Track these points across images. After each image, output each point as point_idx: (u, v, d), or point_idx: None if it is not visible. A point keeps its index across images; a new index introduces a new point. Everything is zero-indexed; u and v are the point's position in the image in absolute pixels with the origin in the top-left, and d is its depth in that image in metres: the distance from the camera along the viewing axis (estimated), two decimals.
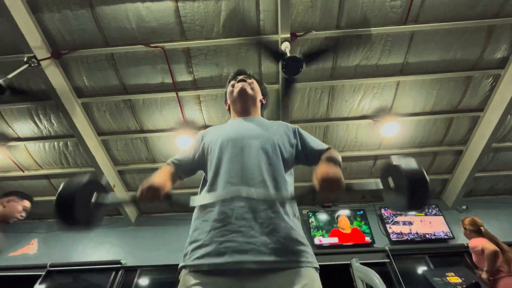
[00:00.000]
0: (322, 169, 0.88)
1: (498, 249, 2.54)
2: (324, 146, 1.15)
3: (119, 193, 4.33)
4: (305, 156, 1.16)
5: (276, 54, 2.85)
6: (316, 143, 1.17)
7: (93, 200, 0.87)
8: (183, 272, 0.89)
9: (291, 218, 0.96)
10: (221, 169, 1.03)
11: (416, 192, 0.78)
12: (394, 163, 0.84)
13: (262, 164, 1.02)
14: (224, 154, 1.07)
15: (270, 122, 1.27)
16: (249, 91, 1.31)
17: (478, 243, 2.65)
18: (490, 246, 2.54)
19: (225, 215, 0.91)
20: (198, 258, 0.87)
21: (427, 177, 0.78)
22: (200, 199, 0.96)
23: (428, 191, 0.78)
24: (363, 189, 0.90)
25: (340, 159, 1.04)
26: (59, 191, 0.82)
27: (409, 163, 0.81)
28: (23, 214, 2.20)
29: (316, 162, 1.07)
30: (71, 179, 0.87)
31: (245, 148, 1.06)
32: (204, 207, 0.99)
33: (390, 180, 0.85)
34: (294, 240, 0.90)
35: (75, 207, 0.80)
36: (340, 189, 0.85)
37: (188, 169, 1.20)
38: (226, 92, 1.42)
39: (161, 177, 1.01)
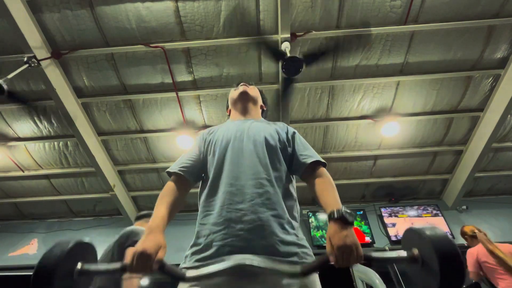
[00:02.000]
0: (336, 236, 0.77)
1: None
2: (308, 159, 1.06)
3: (120, 194, 4.33)
4: (291, 163, 1.11)
5: (277, 54, 2.85)
6: (305, 152, 1.11)
7: (76, 271, 0.75)
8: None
9: (291, 221, 0.96)
10: (222, 171, 1.03)
11: (448, 271, 0.67)
12: (420, 230, 0.74)
13: (261, 166, 1.02)
14: (224, 156, 1.06)
15: (270, 123, 1.26)
16: (250, 92, 1.36)
17: (470, 259, 2.66)
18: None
19: (224, 218, 0.91)
20: (197, 261, 0.88)
21: (460, 253, 0.68)
22: (194, 273, 0.82)
23: (463, 270, 0.67)
24: (384, 260, 0.78)
25: (334, 186, 0.99)
26: (36, 265, 0.71)
27: (437, 232, 0.71)
28: None
29: (299, 173, 1.07)
30: (51, 249, 0.74)
31: (244, 150, 1.06)
32: (204, 211, 0.99)
33: (416, 251, 0.75)
34: (293, 242, 0.90)
35: (54, 282, 0.69)
36: (358, 260, 0.74)
37: (198, 172, 1.14)
38: (227, 100, 1.45)
39: (163, 211, 0.95)
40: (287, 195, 1.03)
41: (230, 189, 0.96)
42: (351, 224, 0.81)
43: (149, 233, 0.85)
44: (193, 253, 0.91)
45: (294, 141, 1.16)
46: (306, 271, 0.79)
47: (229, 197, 0.95)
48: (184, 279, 0.81)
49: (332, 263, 0.75)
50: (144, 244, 0.79)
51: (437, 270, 0.67)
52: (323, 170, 1.07)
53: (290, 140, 1.16)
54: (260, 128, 1.16)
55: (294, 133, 1.20)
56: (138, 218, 2.32)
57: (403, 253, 0.77)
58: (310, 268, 0.80)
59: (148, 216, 2.26)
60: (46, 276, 0.70)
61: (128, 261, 0.77)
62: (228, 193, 0.96)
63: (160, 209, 0.96)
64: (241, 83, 1.41)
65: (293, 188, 1.10)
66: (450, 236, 0.73)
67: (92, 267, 0.77)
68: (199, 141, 1.22)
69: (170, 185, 1.07)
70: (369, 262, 0.77)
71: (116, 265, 0.79)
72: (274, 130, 1.17)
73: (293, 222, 0.98)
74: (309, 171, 1.06)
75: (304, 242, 0.95)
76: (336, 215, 0.84)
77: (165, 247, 0.83)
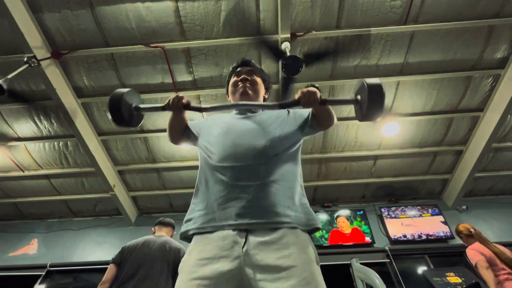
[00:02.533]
0: (304, 88, 1.07)
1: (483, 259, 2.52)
2: (306, 112, 1.22)
3: (120, 194, 4.33)
4: (306, 121, 1.19)
5: (277, 53, 2.85)
6: (304, 111, 1.24)
7: (133, 107, 1.16)
8: (190, 233, 1.00)
9: (290, 188, 1.02)
10: (225, 151, 1.08)
11: (374, 100, 0.98)
12: (362, 81, 1.03)
13: (261, 145, 1.05)
14: (224, 141, 1.11)
15: (269, 115, 1.23)
16: (251, 93, 1.29)
17: (471, 256, 2.65)
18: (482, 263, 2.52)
19: (228, 184, 0.99)
20: (204, 222, 0.98)
21: (384, 89, 0.98)
22: (212, 107, 1.15)
23: (383, 98, 0.98)
24: (337, 102, 1.17)
25: (330, 110, 1.16)
26: (109, 97, 1.11)
27: (373, 81, 1.00)
28: None
29: (313, 123, 1.18)
30: (113, 92, 1.12)
31: (246, 138, 1.10)
32: (208, 179, 1.07)
33: (358, 96, 1.07)
34: (288, 206, 0.97)
35: (122, 107, 1.10)
36: (316, 101, 1.04)
37: (190, 135, 1.29)
38: (227, 82, 1.41)
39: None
40: (288, 169, 1.07)
41: (234, 166, 1.02)
42: (316, 87, 1.15)
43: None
44: (199, 216, 1.00)
45: (295, 113, 1.24)
46: (283, 105, 1.13)
47: (234, 173, 1.01)
48: (201, 109, 1.19)
49: (300, 101, 1.06)
50: (176, 94, 1.15)
51: (367, 98, 0.99)
52: None
53: (291, 114, 1.24)
54: (259, 125, 1.16)
55: (288, 112, 1.26)
56: (158, 224, 2.58)
57: (348, 97, 1.13)
58: (285, 104, 1.12)
59: (164, 223, 2.56)
60: (117, 101, 1.09)
61: (165, 103, 1.15)
62: (232, 168, 1.02)
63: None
64: (243, 69, 1.34)
65: (297, 163, 1.14)
66: (379, 82, 1.00)
67: (142, 106, 1.20)
68: (195, 126, 1.31)
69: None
70: (324, 103, 1.07)
71: (158, 105, 1.18)
72: (273, 119, 1.19)
73: (293, 190, 1.03)
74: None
75: (303, 208, 1.01)
76: (309, 85, 1.13)
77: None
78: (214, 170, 1.05)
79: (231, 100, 1.37)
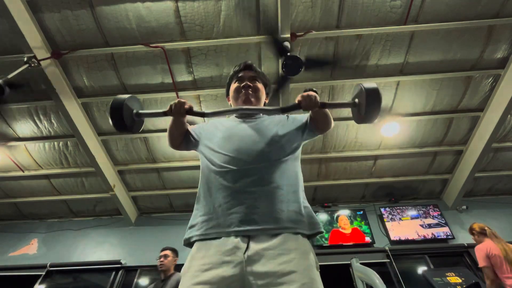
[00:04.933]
0: (303, 92, 1.09)
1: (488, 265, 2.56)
2: (305, 116, 1.23)
3: (120, 194, 4.33)
4: (305, 125, 1.20)
5: (281, 49, 2.84)
6: (303, 116, 1.25)
7: (134, 112, 1.16)
8: (193, 240, 1.00)
9: (293, 192, 1.02)
10: (227, 156, 1.07)
11: (370, 103, 1.01)
12: (360, 85, 1.07)
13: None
14: (228, 146, 1.10)
15: (270, 120, 1.22)
16: (254, 100, 1.27)
17: (479, 254, 2.67)
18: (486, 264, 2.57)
19: (231, 190, 0.98)
20: (208, 228, 0.97)
21: (381, 93, 1.01)
22: (214, 112, 1.17)
23: (380, 102, 1.01)
24: (336, 106, 1.21)
25: (327, 113, 1.16)
26: (111, 103, 1.10)
27: (370, 85, 1.03)
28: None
29: (311, 127, 1.18)
30: (115, 98, 1.12)
31: (247, 138, 1.11)
32: (211, 185, 1.06)
33: (357, 99, 1.10)
34: (292, 211, 0.98)
35: (124, 114, 1.09)
36: (316, 103, 1.05)
37: (190, 141, 1.27)
38: (227, 84, 1.38)
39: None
40: (290, 172, 1.08)
41: (237, 169, 1.02)
42: (315, 91, 1.19)
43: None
44: (203, 222, 0.99)
45: (294, 119, 1.24)
46: (284, 109, 1.11)
47: (236, 177, 1.00)
48: (204, 114, 1.18)
49: (300, 104, 1.07)
50: (178, 100, 1.14)
51: (364, 101, 1.02)
52: None
53: (290, 119, 1.24)
54: (260, 131, 1.16)
55: (287, 117, 1.26)
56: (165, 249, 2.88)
57: (346, 101, 1.19)
58: (286, 108, 1.11)
59: (170, 249, 2.85)
60: (118, 108, 1.09)
61: (168, 107, 1.13)
62: (235, 172, 1.01)
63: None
64: (245, 74, 1.32)
65: (297, 165, 1.14)
66: (376, 85, 1.03)
67: (143, 111, 1.19)
68: (195, 130, 1.30)
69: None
70: (324, 107, 1.08)
71: (160, 110, 1.16)
72: (274, 124, 1.19)
73: (296, 193, 1.03)
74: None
75: (306, 210, 1.01)
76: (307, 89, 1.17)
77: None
78: (217, 175, 1.03)
79: (231, 104, 1.36)
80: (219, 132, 1.21)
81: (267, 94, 1.40)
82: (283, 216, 0.94)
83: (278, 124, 1.19)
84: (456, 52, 3.31)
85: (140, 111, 1.18)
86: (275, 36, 2.92)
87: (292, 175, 1.07)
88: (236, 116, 1.31)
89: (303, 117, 1.23)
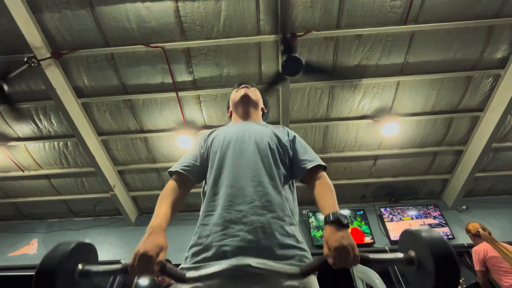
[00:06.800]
0: (332, 238, 0.79)
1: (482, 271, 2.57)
2: (308, 165, 1.08)
3: (120, 194, 4.33)
4: (292, 167, 1.13)
5: (288, 47, 2.83)
6: (305, 157, 1.12)
7: (78, 271, 0.76)
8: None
9: (290, 224, 0.95)
10: (223, 172, 1.03)
11: (443, 272, 0.68)
12: (416, 233, 0.77)
13: (262, 168, 1.03)
14: (225, 157, 1.07)
15: (270, 126, 1.27)
16: (252, 96, 1.36)
17: (475, 257, 2.66)
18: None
19: (224, 219, 0.91)
20: (197, 262, 0.87)
21: (455, 254, 0.70)
22: (193, 273, 0.81)
23: (458, 272, 0.68)
24: (381, 261, 0.82)
25: (333, 190, 0.99)
26: (38, 266, 0.72)
27: (433, 234, 0.73)
28: None
29: (299, 178, 1.09)
30: (53, 250, 0.75)
31: (245, 151, 1.07)
32: (205, 212, 0.99)
33: (412, 252, 0.77)
34: (292, 245, 0.90)
35: (56, 283, 0.70)
36: (355, 261, 0.76)
37: (200, 172, 1.13)
38: (228, 101, 1.47)
39: (165, 209, 0.96)
40: (287, 197, 1.03)
41: (231, 191, 0.97)
42: (346, 226, 0.83)
43: (150, 234, 0.83)
44: (194, 254, 0.90)
45: (295, 145, 1.18)
46: (305, 272, 0.79)
47: (230, 198, 0.95)
48: (184, 280, 0.80)
49: (330, 264, 0.77)
50: (145, 245, 0.78)
51: (433, 272, 0.68)
52: (322, 174, 1.08)
53: (290, 143, 1.18)
54: (261, 131, 1.17)
55: (294, 136, 1.21)
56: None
57: (399, 255, 0.80)
58: (309, 269, 0.80)
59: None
60: (48, 276, 0.71)
61: (130, 263, 0.77)
62: (229, 194, 0.96)
63: (162, 208, 0.96)
64: (242, 85, 1.41)
65: (293, 190, 1.11)
66: (445, 238, 0.73)
67: (93, 268, 0.78)
68: (200, 142, 1.23)
69: (171, 184, 1.06)
70: (366, 263, 0.78)
71: (117, 266, 0.79)
72: (274, 133, 1.18)
73: (293, 226, 0.96)
74: (309, 175, 1.08)
75: (304, 245, 0.94)
76: (331, 218, 0.84)
77: (166, 248, 0.82)
78: (209, 199, 1.00)
79: (232, 111, 1.41)
80: (215, 153, 1.17)
81: (264, 105, 1.49)
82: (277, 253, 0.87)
83: (276, 144, 1.14)
84: (456, 52, 3.31)
85: (88, 268, 0.78)
86: (286, 34, 2.89)
87: (289, 198, 1.05)
88: (232, 128, 1.29)
89: (300, 160, 1.12)
